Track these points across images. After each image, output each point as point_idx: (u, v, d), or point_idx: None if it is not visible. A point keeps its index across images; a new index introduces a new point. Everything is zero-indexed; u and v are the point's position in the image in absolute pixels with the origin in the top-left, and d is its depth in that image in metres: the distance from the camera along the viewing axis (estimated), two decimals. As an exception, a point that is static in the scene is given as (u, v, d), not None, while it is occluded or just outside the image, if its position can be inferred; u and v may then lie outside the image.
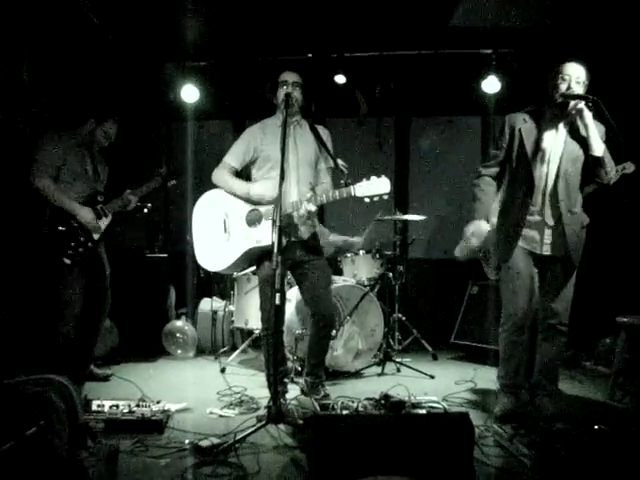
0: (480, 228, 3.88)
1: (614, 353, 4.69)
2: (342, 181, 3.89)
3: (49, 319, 4.51)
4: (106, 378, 4.93)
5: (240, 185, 4.09)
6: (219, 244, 4.13)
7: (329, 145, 4.19)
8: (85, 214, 4.49)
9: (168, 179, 5.02)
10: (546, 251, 3.80)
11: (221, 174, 4.15)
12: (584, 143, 3.67)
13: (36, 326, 4.69)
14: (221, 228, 4.14)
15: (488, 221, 3.94)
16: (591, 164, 3.67)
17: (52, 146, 4.45)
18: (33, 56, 5.19)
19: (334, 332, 4.86)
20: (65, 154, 4.49)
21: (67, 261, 4.42)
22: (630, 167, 4.31)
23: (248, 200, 4.05)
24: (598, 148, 3.62)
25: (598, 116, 3.61)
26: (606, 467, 2.93)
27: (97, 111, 4.72)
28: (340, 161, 4.12)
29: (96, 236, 4.56)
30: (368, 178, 3.70)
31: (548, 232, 3.79)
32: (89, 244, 4.52)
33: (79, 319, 4.51)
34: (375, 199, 3.70)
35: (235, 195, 4.10)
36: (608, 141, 3.68)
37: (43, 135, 4.53)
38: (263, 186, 3.98)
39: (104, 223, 4.62)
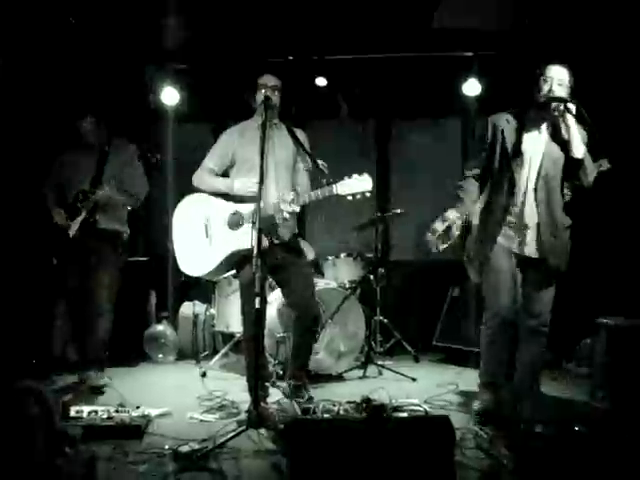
0: (447, 215, 3.87)
1: (595, 354, 4.72)
2: (324, 180, 3.88)
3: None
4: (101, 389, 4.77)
5: (224, 181, 4.09)
6: (201, 249, 4.10)
7: (307, 146, 4.18)
8: (55, 215, 4.78)
9: (150, 155, 4.91)
10: (527, 252, 3.81)
11: (202, 176, 4.14)
12: (565, 145, 3.68)
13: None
14: (202, 232, 4.11)
15: (468, 221, 3.94)
16: (571, 166, 3.69)
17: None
18: (9, 56, 5.15)
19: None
20: (69, 155, 4.90)
21: (54, 261, 4.78)
22: (605, 164, 4.34)
23: (230, 197, 4.02)
24: (579, 150, 3.63)
25: (578, 119, 3.62)
26: (586, 468, 2.94)
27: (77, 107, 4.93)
28: (320, 161, 4.11)
29: (70, 233, 4.70)
30: (350, 176, 3.70)
31: (529, 233, 3.79)
32: (67, 241, 4.72)
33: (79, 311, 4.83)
34: (358, 197, 3.70)
35: (218, 194, 4.07)
36: (589, 145, 3.70)
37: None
38: (246, 182, 3.95)
39: (77, 221, 4.71)
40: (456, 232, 3.86)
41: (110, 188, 4.70)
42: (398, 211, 5.89)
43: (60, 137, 5.24)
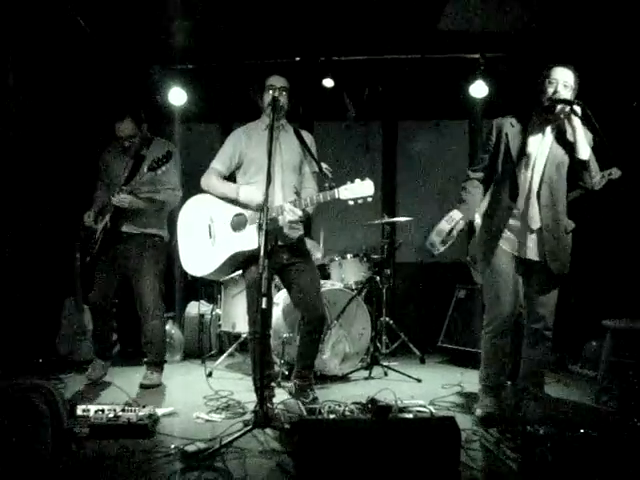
0: (452, 215, 3.86)
1: (600, 356, 4.71)
2: (326, 184, 3.89)
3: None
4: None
5: (230, 187, 4.08)
6: (204, 249, 4.12)
7: (313, 150, 4.19)
8: (85, 218, 4.85)
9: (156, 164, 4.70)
10: (530, 255, 3.80)
11: (209, 179, 4.13)
12: (570, 148, 3.67)
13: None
14: (206, 233, 4.13)
15: (471, 222, 3.94)
16: (577, 168, 3.68)
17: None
18: (19, 60, 5.18)
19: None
20: (108, 156, 4.97)
21: (87, 259, 4.90)
22: (616, 173, 4.34)
23: (236, 203, 4.03)
24: (584, 152, 3.62)
25: (584, 121, 3.62)
26: (592, 471, 2.93)
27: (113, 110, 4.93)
28: (324, 165, 4.12)
29: (96, 236, 4.84)
30: (352, 181, 3.71)
31: (532, 236, 3.79)
32: (95, 245, 4.84)
33: (101, 310, 4.96)
34: (359, 202, 3.71)
35: (224, 198, 4.08)
36: (595, 147, 3.69)
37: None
38: (251, 192, 3.96)
39: (100, 226, 4.82)
40: (456, 232, 3.85)
41: (128, 194, 4.67)
42: (403, 219, 5.92)
43: (98, 138, 5.32)
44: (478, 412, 3.88)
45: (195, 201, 4.25)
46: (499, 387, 3.93)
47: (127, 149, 4.83)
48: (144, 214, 4.84)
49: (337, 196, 3.73)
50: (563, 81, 3.64)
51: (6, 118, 5.11)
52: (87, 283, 5.12)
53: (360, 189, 3.70)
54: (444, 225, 3.83)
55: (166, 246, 5.03)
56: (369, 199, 3.70)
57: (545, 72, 3.69)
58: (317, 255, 5.93)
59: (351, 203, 3.72)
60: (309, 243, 5.82)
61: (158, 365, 4.95)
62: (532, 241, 3.80)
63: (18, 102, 5.19)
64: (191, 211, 4.25)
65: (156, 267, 4.91)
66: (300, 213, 3.86)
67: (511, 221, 3.79)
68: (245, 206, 3.99)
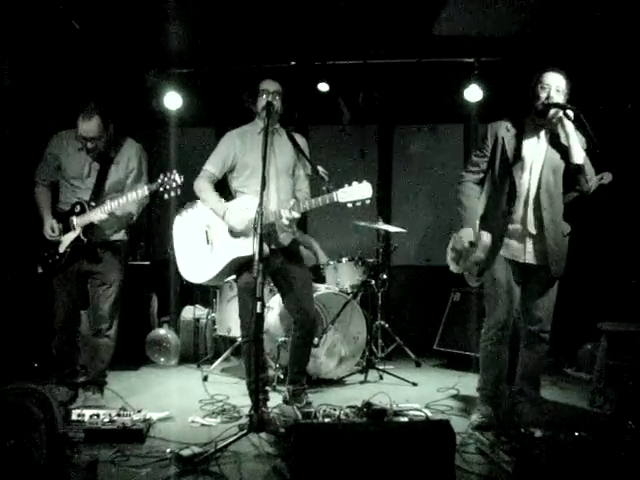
0: (482, 239, 3.85)
1: (595, 359, 4.72)
2: (324, 187, 3.90)
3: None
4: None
5: (218, 206, 4.04)
6: (202, 256, 4.12)
7: (307, 152, 4.20)
8: (46, 226, 4.32)
9: (167, 191, 4.17)
10: (529, 260, 3.81)
11: (202, 184, 4.10)
12: (565, 152, 3.69)
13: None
14: (203, 240, 4.13)
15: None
16: (572, 172, 3.69)
17: (52, 147, 4.43)
18: (15, 60, 5.17)
19: (316, 340, 4.85)
20: (65, 156, 4.38)
21: (39, 269, 4.35)
22: (608, 177, 4.36)
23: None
24: (579, 156, 3.63)
25: (577, 125, 3.63)
26: (587, 474, 2.94)
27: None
28: (321, 168, 4.13)
29: (61, 249, 4.30)
30: (350, 184, 3.72)
31: (530, 241, 3.80)
32: (56, 256, 4.31)
33: (69, 328, 4.40)
34: (358, 204, 3.72)
35: (221, 197, 4.09)
36: (587, 151, 3.71)
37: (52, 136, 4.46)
38: (236, 216, 3.93)
39: (70, 237, 4.29)
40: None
41: (106, 214, 4.20)
42: (398, 230, 5.93)
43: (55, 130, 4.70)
44: (474, 420, 3.86)
45: (191, 208, 4.25)
46: (497, 395, 3.91)
47: (90, 150, 4.31)
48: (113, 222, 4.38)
49: (335, 199, 3.74)
50: (555, 86, 3.66)
51: (2, 119, 5.10)
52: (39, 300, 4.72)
53: (358, 191, 3.70)
54: (478, 254, 3.85)
55: (128, 250, 4.74)
56: (367, 201, 3.71)
57: (537, 77, 3.71)
58: (322, 259, 5.97)
59: (349, 206, 3.72)
60: (314, 244, 5.82)
61: (100, 386, 4.47)
62: (531, 245, 3.80)
63: (14, 104, 5.17)
64: (187, 218, 4.25)
65: (121, 274, 4.49)
66: (297, 216, 3.87)
67: (509, 226, 3.80)
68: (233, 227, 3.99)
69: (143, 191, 4.15)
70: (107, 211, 4.19)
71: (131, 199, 4.19)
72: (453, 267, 4.17)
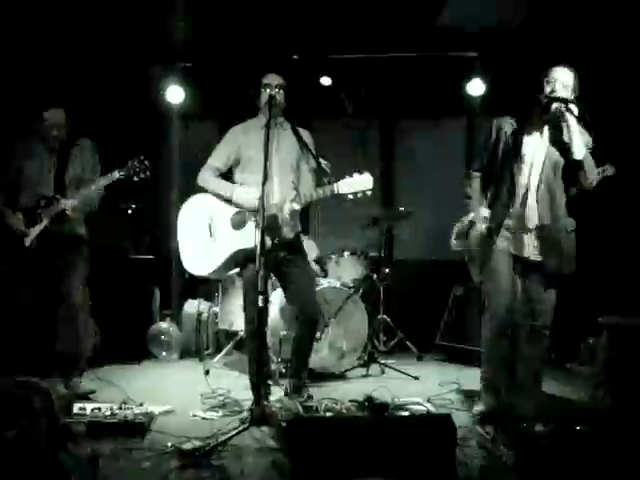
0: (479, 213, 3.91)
1: (597, 354, 4.72)
2: (325, 179, 3.90)
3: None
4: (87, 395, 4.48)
5: (225, 187, 4.08)
6: (205, 248, 4.12)
7: (311, 147, 4.19)
8: (10, 219, 4.42)
9: (137, 173, 4.39)
10: (529, 255, 3.80)
11: (206, 176, 4.14)
12: (565, 147, 3.68)
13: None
14: (206, 232, 4.13)
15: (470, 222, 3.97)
16: (572, 167, 3.69)
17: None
18: (15, 57, 5.17)
19: (318, 334, 4.85)
20: (24, 156, 4.50)
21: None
22: (610, 169, 4.35)
23: (231, 202, 4.04)
24: (579, 151, 3.62)
25: (581, 121, 3.62)
26: (587, 467, 2.94)
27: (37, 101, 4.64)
28: (323, 161, 4.13)
29: (27, 242, 4.37)
30: (351, 175, 3.71)
31: (531, 236, 3.80)
32: (22, 251, 4.38)
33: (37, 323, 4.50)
34: (359, 195, 3.71)
35: (219, 196, 4.09)
36: (592, 149, 3.70)
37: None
38: (245, 194, 3.96)
39: (35, 230, 4.37)
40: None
41: (78, 198, 4.36)
42: (403, 209, 5.91)
43: (16, 129, 4.85)
44: (479, 409, 3.88)
45: (194, 201, 4.25)
46: (499, 385, 3.91)
47: (54, 139, 4.45)
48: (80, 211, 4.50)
49: (336, 191, 3.74)
50: (562, 81, 3.65)
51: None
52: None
53: (359, 182, 3.70)
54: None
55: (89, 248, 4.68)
56: (368, 192, 3.71)
57: (545, 72, 3.71)
58: (312, 254, 5.93)
59: (350, 197, 3.72)
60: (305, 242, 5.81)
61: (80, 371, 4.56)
62: (532, 240, 3.80)
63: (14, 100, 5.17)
64: (191, 210, 4.25)
65: (85, 268, 4.57)
66: (299, 208, 3.88)
67: (510, 221, 3.80)
68: (242, 205, 4.00)
69: (114, 175, 4.33)
70: (79, 197, 4.36)
71: (101, 184, 4.39)
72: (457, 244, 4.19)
